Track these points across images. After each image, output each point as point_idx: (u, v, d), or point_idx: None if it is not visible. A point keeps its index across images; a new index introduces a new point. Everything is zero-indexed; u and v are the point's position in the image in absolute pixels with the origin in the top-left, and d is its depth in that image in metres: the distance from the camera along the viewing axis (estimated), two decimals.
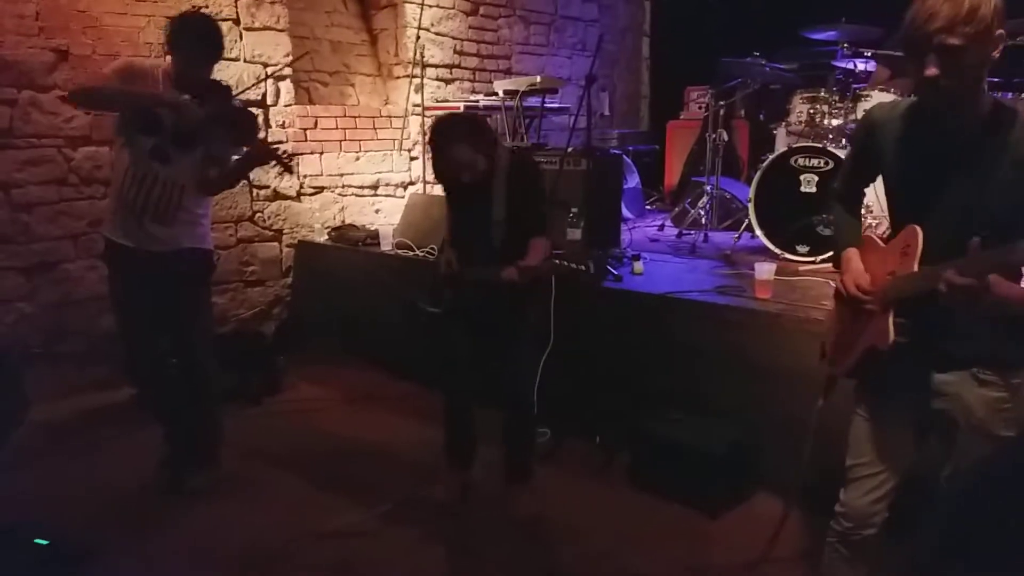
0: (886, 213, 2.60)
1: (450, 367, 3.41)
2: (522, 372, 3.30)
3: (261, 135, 3.48)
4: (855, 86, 5.11)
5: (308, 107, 5.92)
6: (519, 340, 3.29)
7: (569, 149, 4.50)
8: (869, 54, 5.23)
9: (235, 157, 3.35)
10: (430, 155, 3.22)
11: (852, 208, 2.36)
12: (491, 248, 3.14)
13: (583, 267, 2.88)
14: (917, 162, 2.02)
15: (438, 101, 6.36)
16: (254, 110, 3.54)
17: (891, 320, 1.96)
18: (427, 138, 3.14)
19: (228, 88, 3.43)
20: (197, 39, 3.15)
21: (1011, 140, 1.84)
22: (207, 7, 5.07)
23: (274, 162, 3.35)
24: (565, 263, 2.94)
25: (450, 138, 3.04)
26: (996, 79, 4.95)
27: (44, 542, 2.99)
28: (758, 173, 4.90)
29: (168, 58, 3.22)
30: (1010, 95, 4.97)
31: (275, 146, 3.45)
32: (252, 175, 5.37)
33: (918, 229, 1.89)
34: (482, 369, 3.36)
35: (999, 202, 1.84)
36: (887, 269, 2.02)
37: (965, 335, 1.93)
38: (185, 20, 3.23)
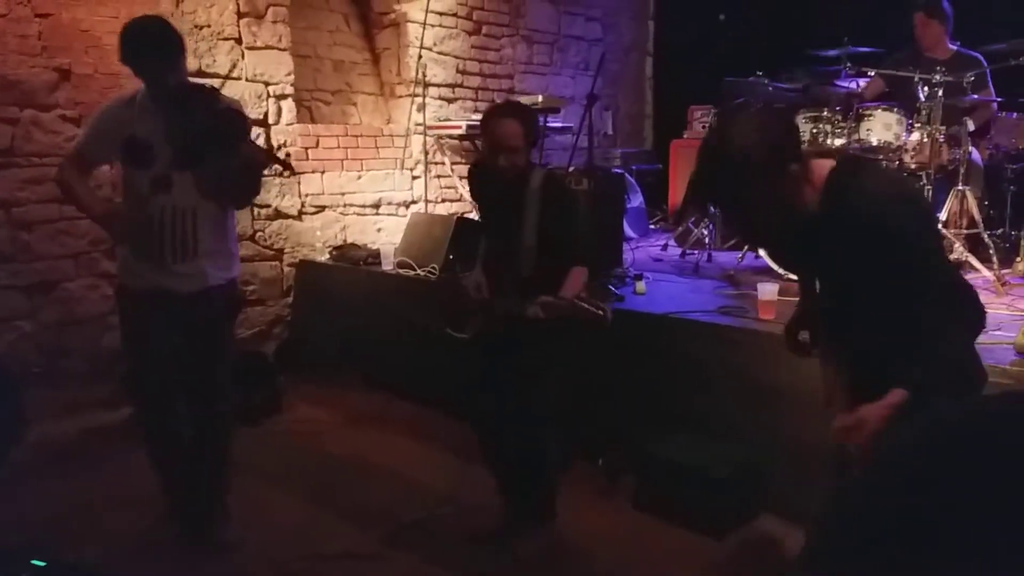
0: None
1: (479, 394, 3.23)
2: (544, 409, 3.10)
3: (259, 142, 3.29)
4: (858, 105, 5.10)
5: (310, 126, 5.92)
6: (540, 380, 3.08)
7: (571, 168, 4.49)
8: (872, 73, 5.23)
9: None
10: (483, 158, 3.17)
11: None
12: (519, 277, 3.02)
13: (600, 311, 2.74)
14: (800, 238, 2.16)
15: (440, 120, 6.37)
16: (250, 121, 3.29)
17: None
18: (484, 115, 3.08)
19: (212, 89, 3.25)
20: (149, 44, 2.91)
21: (845, 214, 1.93)
22: (208, 26, 5.09)
23: (271, 162, 3.17)
24: (585, 305, 2.78)
25: (506, 113, 3.00)
26: (1000, 99, 4.96)
27: (41, 563, 2.96)
28: None
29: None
30: (1014, 115, 4.97)
31: (271, 147, 3.28)
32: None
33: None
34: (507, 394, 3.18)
35: (855, 270, 1.98)
36: None
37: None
38: (131, 28, 2.94)
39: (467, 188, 3.32)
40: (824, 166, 1.99)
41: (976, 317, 2.08)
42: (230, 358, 3.38)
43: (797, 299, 2.42)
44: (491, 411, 3.18)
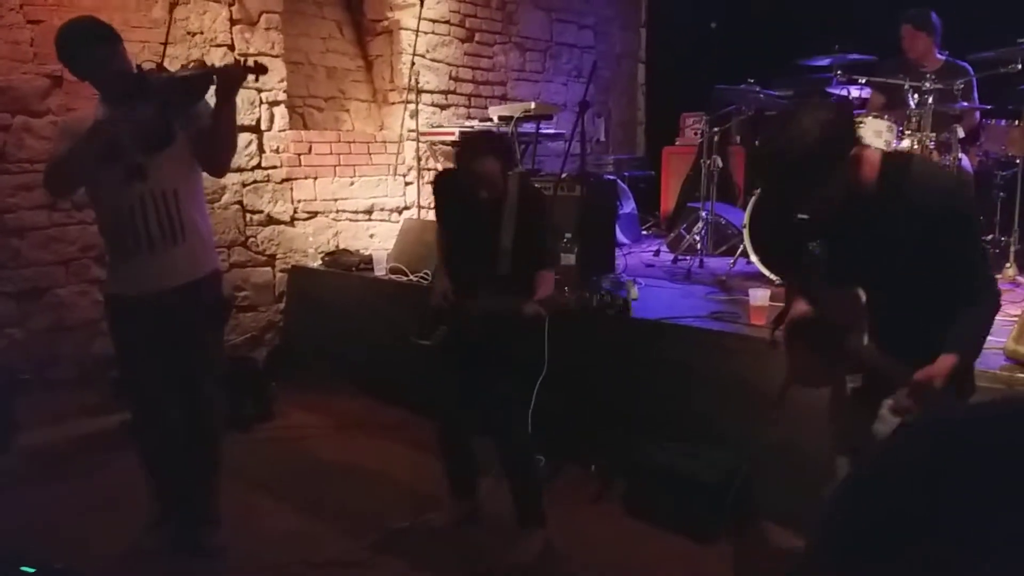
0: None
1: (443, 400, 3.36)
2: (514, 407, 3.21)
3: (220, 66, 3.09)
4: None
5: (303, 132, 5.93)
6: (508, 373, 3.21)
7: (563, 175, 4.50)
8: (863, 81, 5.25)
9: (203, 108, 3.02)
10: (455, 168, 3.18)
11: None
12: (495, 278, 3.08)
13: (587, 294, 2.90)
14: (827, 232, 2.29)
15: (433, 127, 6.38)
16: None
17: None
18: (456, 152, 3.12)
19: (158, 65, 3.13)
20: (83, 39, 2.86)
21: (907, 194, 2.10)
22: (201, 32, 5.09)
23: (247, 74, 2.94)
24: (567, 296, 2.96)
25: (481, 151, 3.02)
26: (988, 106, 4.99)
27: (31, 570, 2.94)
28: (753, 199, 4.90)
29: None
30: (1003, 122, 5.00)
31: (237, 60, 3.07)
32: (246, 201, 5.39)
33: (860, 297, 2.21)
34: (476, 400, 3.31)
35: (909, 250, 2.11)
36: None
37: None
38: (62, 30, 2.89)
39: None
40: (875, 153, 2.17)
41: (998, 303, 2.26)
42: (221, 362, 3.37)
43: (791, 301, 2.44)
44: (461, 416, 3.31)
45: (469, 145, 3.10)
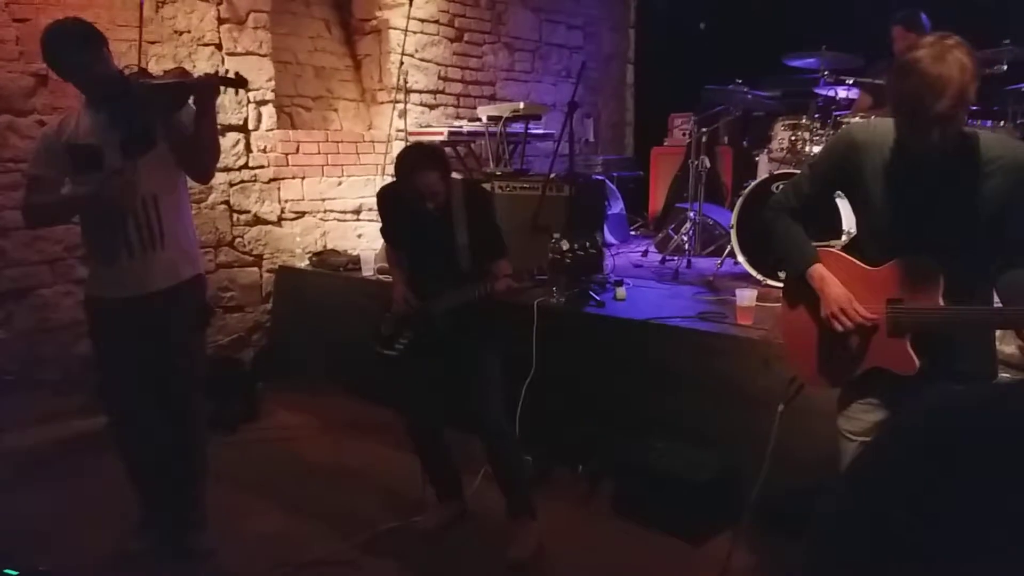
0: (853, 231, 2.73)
1: (411, 403, 3.39)
2: (488, 394, 3.23)
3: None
4: (836, 113, 5.14)
5: (290, 132, 5.91)
6: (484, 363, 3.24)
7: (552, 175, 4.50)
8: (851, 81, 5.27)
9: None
10: (395, 184, 3.22)
11: (799, 221, 2.43)
12: (458, 274, 3.17)
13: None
14: (902, 187, 2.15)
15: (422, 127, 6.36)
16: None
17: (910, 347, 2.14)
18: (395, 169, 3.12)
19: (141, 70, 3.16)
20: (68, 41, 2.84)
21: (979, 160, 2.04)
22: (188, 31, 5.06)
23: (224, 86, 2.97)
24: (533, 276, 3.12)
25: (423, 165, 3.06)
26: (975, 107, 5.01)
27: (14, 573, 2.92)
28: (740, 200, 4.91)
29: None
30: (989, 123, 5.02)
31: (216, 73, 3.04)
32: (233, 201, 5.37)
33: (939, 272, 2.08)
34: (450, 400, 3.33)
35: (980, 214, 2.05)
36: (887, 295, 2.18)
37: (967, 354, 2.20)
38: (48, 31, 2.87)
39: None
40: None
41: None
42: (202, 364, 3.35)
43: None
44: (431, 414, 3.37)
45: (406, 161, 3.10)
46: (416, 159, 3.09)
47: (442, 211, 3.14)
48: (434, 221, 3.16)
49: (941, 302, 2.08)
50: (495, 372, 3.28)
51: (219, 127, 3.10)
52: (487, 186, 4.57)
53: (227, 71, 3.01)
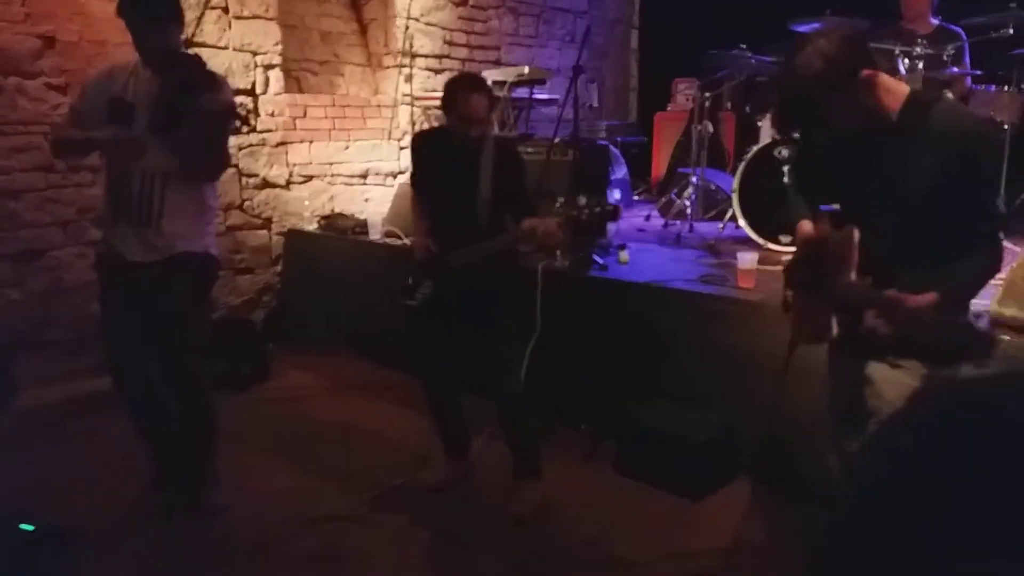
0: None
1: (429, 359, 3.44)
2: (507, 358, 3.29)
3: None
4: None
5: (297, 96, 5.92)
6: (503, 326, 3.29)
7: (556, 140, 4.52)
8: None
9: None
10: (432, 129, 3.29)
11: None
12: (477, 228, 3.19)
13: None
14: (843, 163, 2.20)
15: (427, 91, 6.37)
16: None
17: (833, 318, 2.13)
18: (444, 94, 3.16)
19: (197, 58, 3.19)
20: (141, 4, 2.94)
21: (927, 128, 2.01)
22: None
23: (234, 117, 3.08)
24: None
25: (476, 87, 3.14)
26: (979, 71, 5.01)
27: (29, 527, 3.01)
28: (742, 164, 4.94)
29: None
30: (993, 88, 5.02)
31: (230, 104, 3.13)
32: (242, 165, 5.40)
33: (854, 235, 2.03)
34: (465, 358, 3.39)
35: (918, 187, 2.01)
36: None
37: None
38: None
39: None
40: (900, 84, 2.11)
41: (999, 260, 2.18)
42: (199, 335, 3.37)
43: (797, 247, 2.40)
44: (448, 374, 3.41)
45: (458, 83, 3.18)
46: (469, 81, 3.18)
47: (472, 161, 3.18)
48: (462, 170, 3.19)
49: (852, 276, 2.04)
50: (513, 337, 3.34)
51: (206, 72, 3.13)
52: None
53: (242, 105, 3.20)
